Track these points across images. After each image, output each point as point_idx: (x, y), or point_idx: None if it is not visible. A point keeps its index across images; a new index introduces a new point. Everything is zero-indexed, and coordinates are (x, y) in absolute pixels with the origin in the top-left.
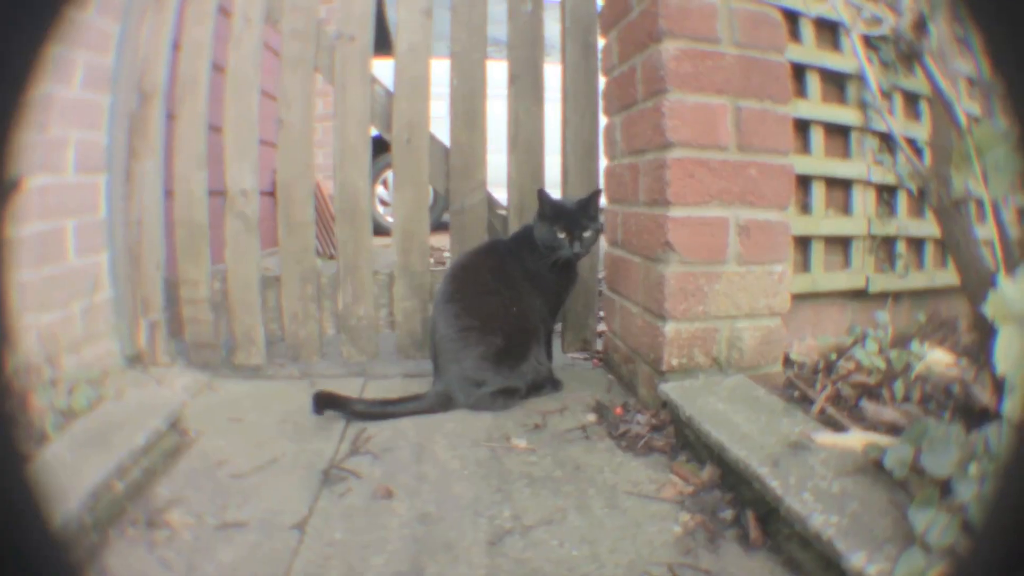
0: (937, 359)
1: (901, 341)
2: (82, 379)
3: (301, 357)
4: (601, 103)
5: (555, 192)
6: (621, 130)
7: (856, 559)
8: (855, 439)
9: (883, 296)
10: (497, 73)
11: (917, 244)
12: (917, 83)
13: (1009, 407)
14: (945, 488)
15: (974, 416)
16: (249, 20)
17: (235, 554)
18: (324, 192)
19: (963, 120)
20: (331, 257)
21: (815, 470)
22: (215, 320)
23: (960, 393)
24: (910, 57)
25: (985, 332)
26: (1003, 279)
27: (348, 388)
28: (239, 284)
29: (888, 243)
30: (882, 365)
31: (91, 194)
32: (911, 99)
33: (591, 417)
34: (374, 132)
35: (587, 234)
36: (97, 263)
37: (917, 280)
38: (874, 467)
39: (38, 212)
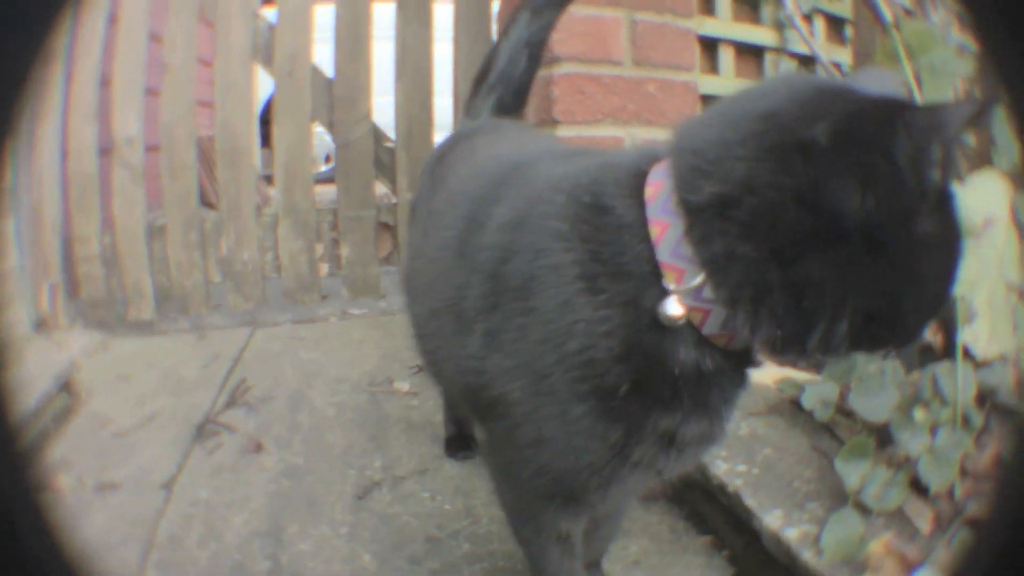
0: None
1: None
2: None
3: (190, 309)
4: (495, 25)
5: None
6: None
7: (771, 519)
8: (768, 373)
9: None
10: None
11: None
12: (843, 8)
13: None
14: (885, 436)
15: (914, 354)
16: None
17: (108, 516)
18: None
19: (888, 15)
20: None
21: None
22: (107, 276)
23: None
24: None
25: None
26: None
27: (235, 339)
28: (127, 236)
29: None
30: None
31: None
32: (835, 23)
33: None
34: None
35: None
36: (2, 231)
37: None
38: (791, 407)
39: None
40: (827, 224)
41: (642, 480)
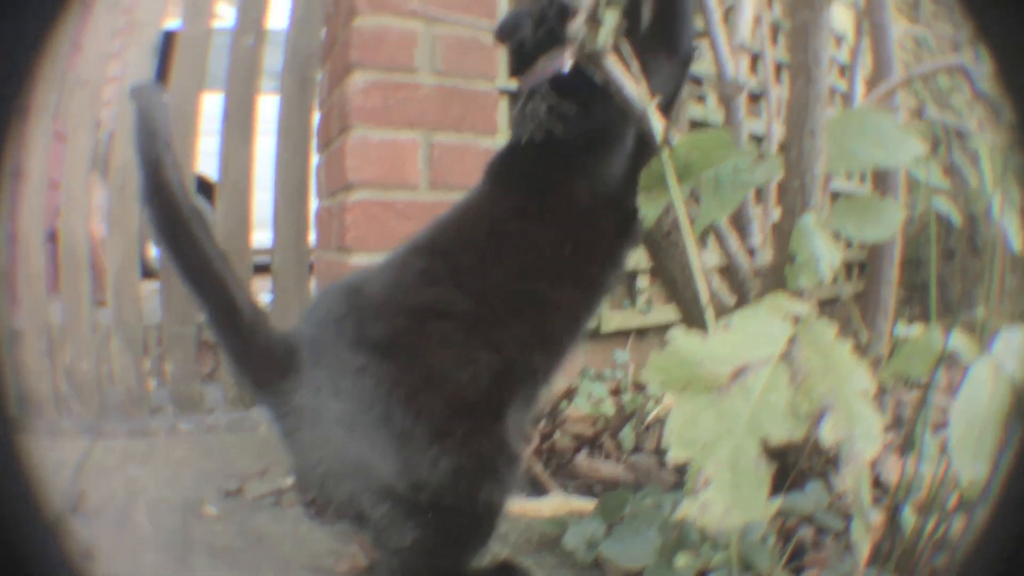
0: None
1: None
2: None
3: (44, 415)
4: (317, 141)
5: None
6: (324, 170)
7: None
8: (552, 505)
9: (625, 334)
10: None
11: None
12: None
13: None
14: None
15: None
16: None
17: None
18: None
19: (659, 130)
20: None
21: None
22: None
23: None
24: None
25: None
26: (676, 333)
27: (80, 447)
28: None
29: (629, 277)
30: (612, 411)
31: None
32: None
33: (290, 481)
34: None
35: None
36: None
37: (664, 314)
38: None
39: None
40: None
41: None
